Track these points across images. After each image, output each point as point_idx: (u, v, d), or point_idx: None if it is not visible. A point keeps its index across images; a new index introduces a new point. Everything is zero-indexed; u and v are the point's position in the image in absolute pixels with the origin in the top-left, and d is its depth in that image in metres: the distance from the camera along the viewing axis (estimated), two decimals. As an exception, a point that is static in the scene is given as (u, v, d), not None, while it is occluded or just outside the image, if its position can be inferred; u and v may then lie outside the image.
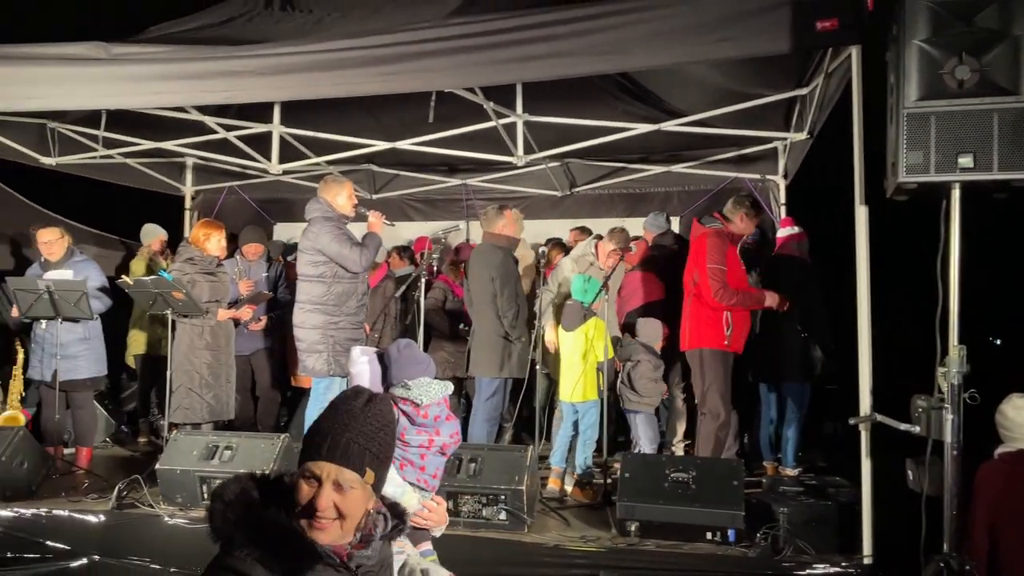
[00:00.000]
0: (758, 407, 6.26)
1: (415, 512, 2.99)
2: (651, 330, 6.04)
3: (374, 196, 8.67)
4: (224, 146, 7.35)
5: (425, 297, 6.25)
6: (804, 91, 5.74)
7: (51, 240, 6.20)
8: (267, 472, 1.83)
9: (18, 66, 5.03)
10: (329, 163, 7.68)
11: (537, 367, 5.90)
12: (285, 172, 7.63)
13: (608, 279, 5.69)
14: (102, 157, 7.37)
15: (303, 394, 6.72)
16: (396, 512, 1.92)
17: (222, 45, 4.99)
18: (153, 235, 7.74)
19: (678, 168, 7.75)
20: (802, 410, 5.99)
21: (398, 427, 3.03)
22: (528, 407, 6.16)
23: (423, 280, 6.08)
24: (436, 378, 3.17)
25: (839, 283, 4.90)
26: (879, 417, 3.90)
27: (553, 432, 6.02)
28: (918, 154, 3.45)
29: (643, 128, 6.33)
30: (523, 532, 4.61)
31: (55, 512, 5.08)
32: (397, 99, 5.22)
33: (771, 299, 5.53)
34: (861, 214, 4.06)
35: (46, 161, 7.19)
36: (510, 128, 6.46)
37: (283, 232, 8.89)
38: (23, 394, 6.98)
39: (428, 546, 3.07)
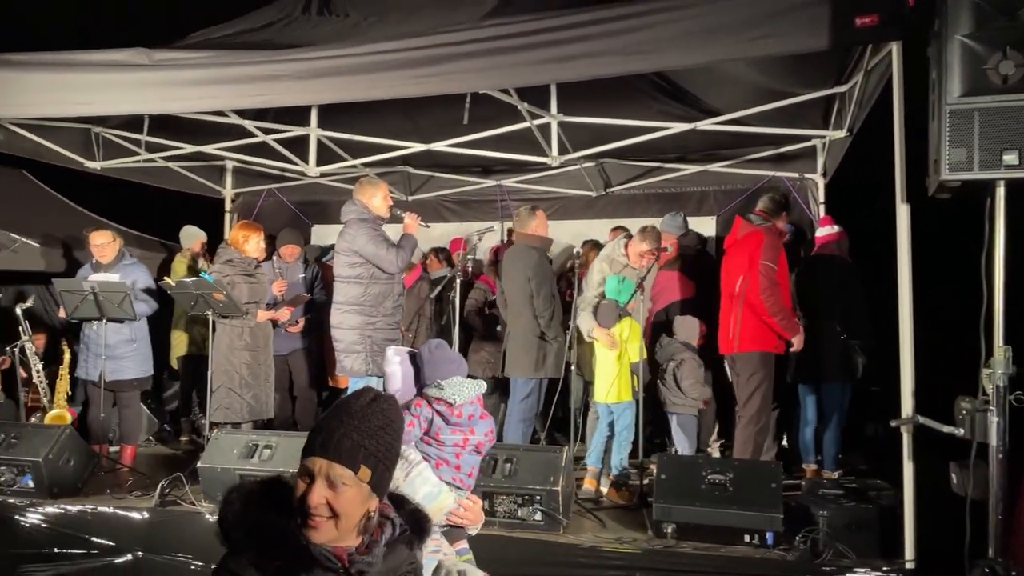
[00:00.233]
0: (797, 409, 6.17)
1: (451, 511, 3.01)
2: (688, 327, 6.00)
3: (409, 198, 8.73)
4: (263, 149, 7.45)
5: (463, 297, 6.27)
6: (843, 88, 5.65)
7: (103, 243, 6.36)
8: (277, 475, 1.80)
9: (64, 72, 5.15)
10: (365, 165, 7.75)
11: (572, 368, 5.89)
12: (322, 174, 7.71)
13: (644, 279, 5.67)
14: (145, 161, 7.51)
15: (340, 394, 6.79)
16: (415, 519, 1.85)
17: (261, 50, 5.07)
18: (194, 237, 7.88)
19: (714, 167, 7.68)
20: (842, 412, 5.90)
21: (433, 427, 3.06)
22: (563, 408, 6.14)
23: (458, 281, 6.10)
24: (470, 377, 3.19)
25: (880, 283, 4.82)
26: (922, 419, 3.83)
27: (588, 433, 6.01)
28: (961, 151, 3.39)
29: (679, 127, 6.28)
30: (559, 533, 4.61)
31: (100, 509, 5.19)
32: (432, 101, 5.24)
33: (799, 341, 5.43)
34: (903, 212, 3.99)
35: (91, 165, 7.35)
36: (544, 129, 6.46)
37: (320, 233, 8.99)
38: (70, 393, 7.16)
39: (464, 544, 3.09)
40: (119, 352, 6.28)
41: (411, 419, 3.03)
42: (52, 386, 7.09)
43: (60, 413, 6.90)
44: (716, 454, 6.42)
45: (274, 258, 7.06)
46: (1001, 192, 3.46)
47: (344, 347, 5.50)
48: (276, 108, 6.41)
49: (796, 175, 7.53)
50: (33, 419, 6.91)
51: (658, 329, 6.38)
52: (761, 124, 6.25)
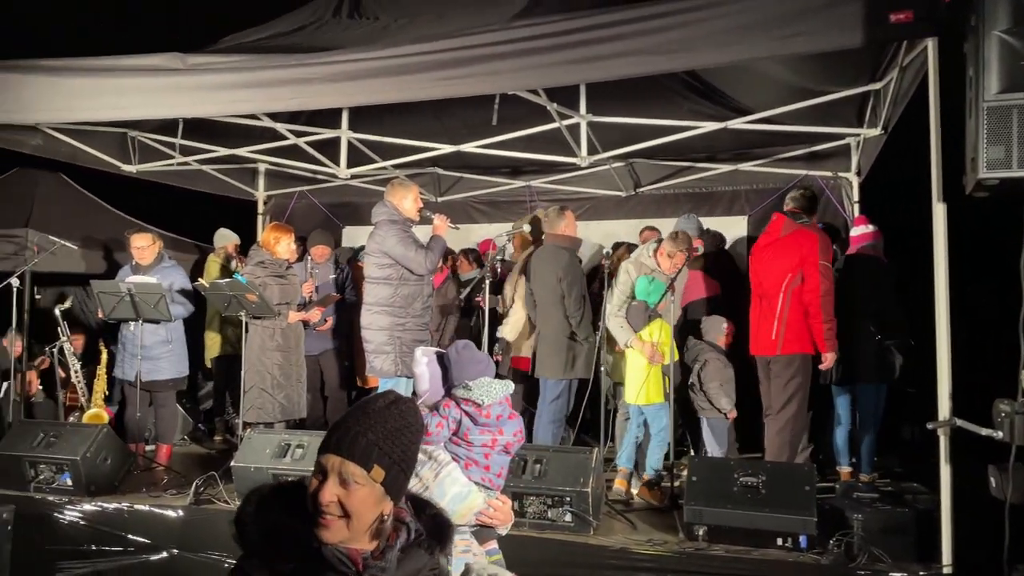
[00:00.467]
0: (831, 411, 6.10)
1: (481, 511, 3.01)
2: (715, 327, 5.96)
3: (439, 199, 8.76)
4: (295, 152, 7.53)
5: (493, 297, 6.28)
6: (878, 86, 5.58)
7: (143, 246, 6.47)
8: (298, 479, 1.78)
9: (100, 77, 5.25)
10: (396, 167, 7.79)
11: (602, 368, 5.87)
12: (353, 176, 7.78)
13: (674, 280, 5.63)
14: (179, 164, 7.61)
15: (368, 393, 6.83)
16: (435, 524, 1.83)
17: (292, 53, 5.12)
18: (227, 239, 7.98)
19: (746, 166, 7.61)
20: (878, 413, 5.81)
21: (461, 427, 3.07)
22: (593, 409, 6.13)
23: (487, 282, 6.11)
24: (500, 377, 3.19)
25: (916, 283, 4.74)
26: (959, 422, 3.76)
27: (617, 434, 5.99)
28: (999, 149, 3.33)
29: (710, 126, 6.24)
30: (589, 534, 4.60)
31: (136, 507, 5.26)
32: (461, 102, 5.26)
33: (831, 358, 5.28)
34: (939, 211, 3.93)
35: (127, 169, 7.47)
36: (574, 129, 6.44)
37: (351, 235, 9.06)
38: (107, 393, 7.29)
39: (494, 545, 3.09)
40: (155, 353, 6.38)
41: (439, 420, 3.04)
42: (90, 386, 7.23)
43: (97, 412, 7.03)
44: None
45: (307, 259, 7.12)
46: (1041, 190, 3.39)
47: (374, 348, 5.53)
48: (308, 111, 6.48)
49: (830, 174, 7.44)
50: (71, 418, 7.05)
51: (683, 330, 6.33)
52: (793, 122, 6.18)
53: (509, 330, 6.29)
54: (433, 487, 2.97)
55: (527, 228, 6.76)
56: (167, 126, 7.01)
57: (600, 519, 4.78)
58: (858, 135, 6.58)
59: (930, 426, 3.91)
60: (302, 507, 1.68)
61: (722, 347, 5.96)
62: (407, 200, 5.64)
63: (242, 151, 7.51)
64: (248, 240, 8.03)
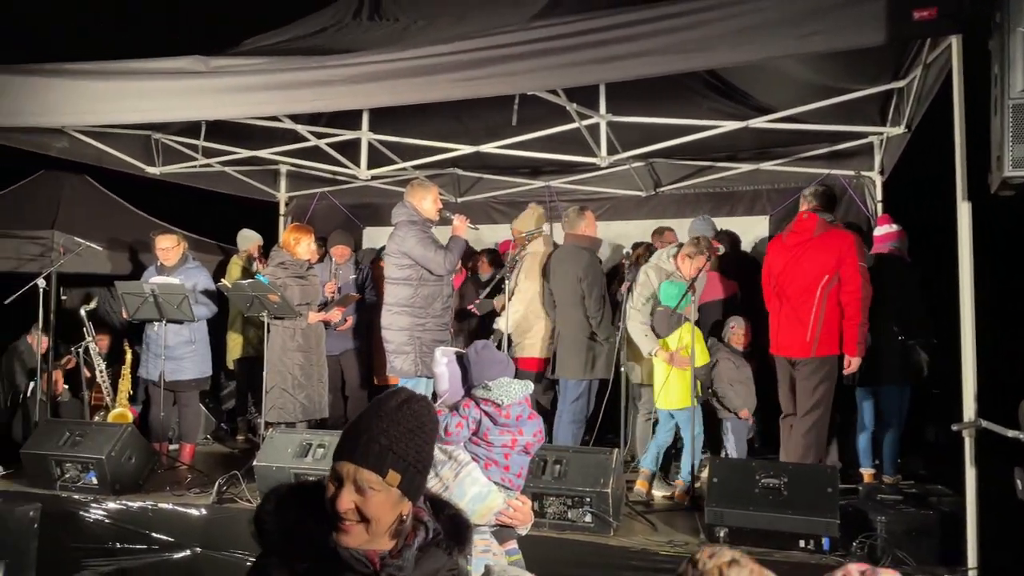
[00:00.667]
0: (854, 412, 6.04)
1: (500, 511, 3.01)
2: (729, 328, 5.94)
3: (459, 199, 8.78)
4: (316, 153, 7.57)
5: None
6: (901, 83, 5.52)
7: (168, 247, 6.54)
8: (317, 479, 1.78)
9: (125, 81, 5.31)
10: (415, 168, 7.82)
11: (622, 369, 5.85)
12: (373, 177, 7.81)
13: (694, 281, 5.60)
14: (202, 166, 7.68)
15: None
16: (453, 523, 1.82)
17: (313, 55, 5.15)
18: (249, 240, 8.04)
19: (767, 165, 7.55)
20: (901, 414, 5.76)
21: (481, 428, 3.08)
22: (613, 409, 6.11)
23: (507, 282, 6.11)
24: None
25: (940, 283, 4.69)
26: (984, 423, 3.72)
27: (637, 435, 5.97)
28: (1025, 147, 3.29)
29: (730, 125, 6.20)
30: (609, 535, 4.59)
31: (160, 505, 5.33)
32: (481, 103, 5.27)
33: (857, 363, 5.18)
34: (964, 210, 3.88)
35: (151, 171, 7.55)
36: (593, 129, 6.43)
37: (372, 235, 9.10)
38: (131, 392, 7.37)
39: (513, 545, 3.10)
40: (179, 353, 6.45)
41: (459, 420, 3.05)
42: (115, 385, 7.31)
43: (122, 412, 7.11)
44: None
45: (331, 260, 7.17)
46: (1068, 188, 3.35)
47: (394, 348, 5.56)
48: (328, 113, 6.51)
49: (852, 173, 7.37)
50: (97, 417, 7.13)
51: (714, 331, 6.30)
52: (816, 121, 6.13)
53: (506, 323, 6.23)
54: (453, 487, 2.98)
55: (546, 229, 6.76)
56: (190, 128, 7.08)
57: (620, 520, 4.77)
58: (881, 133, 6.51)
59: (955, 427, 3.87)
60: (321, 507, 1.68)
61: (738, 347, 5.92)
62: (426, 201, 5.66)
63: (264, 153, 7.56)
64: (270, 241, 8.10)
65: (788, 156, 7.40)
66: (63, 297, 6.99)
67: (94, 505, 5.35)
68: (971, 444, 3.86)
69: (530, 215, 6.49)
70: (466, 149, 7.20)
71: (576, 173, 8.07)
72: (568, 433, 5.86)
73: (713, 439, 6.09)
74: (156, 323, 6.34)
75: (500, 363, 3.14)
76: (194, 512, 5.25)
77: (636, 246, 7.25)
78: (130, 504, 5.36)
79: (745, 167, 7.64)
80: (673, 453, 5.89)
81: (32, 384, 7.13)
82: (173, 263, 6.53)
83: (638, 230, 7.87)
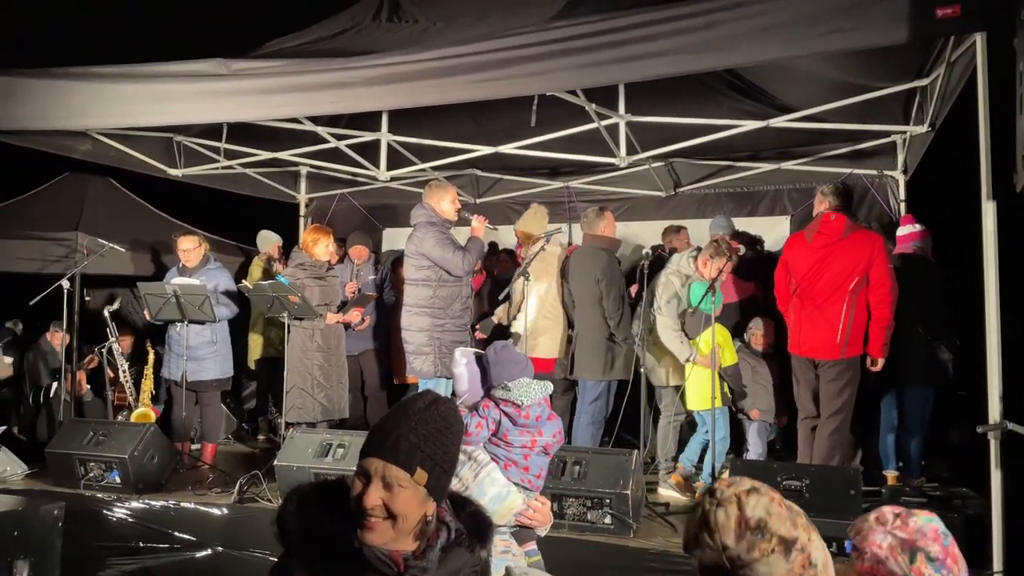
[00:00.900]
0: (877, 413, 5.98)
1: (520, 512, 3.01)
2: (754, 329, 5.91)
3: (478, 200, 8.79)
4: (335, 155, 7.61)
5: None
6: (924, 82, 5.46)
7: (189, 248, 6.60)
8: (338, 478, 1.79)
9: (147, 84, 5.37)
10: (434, 169, 7.84)
11: (641, 370, 5.83)
12: (393, 178, 7.84)
13: (715, 282, 5.56)
14: (223, 168, 7.75)
15: (405, 391, 6.88)
16: (475, 521, 1.83)
17: (333, 57, 5.18)
18: (270, 241, 8.10)
19: (788, 165, 7.50)
20: (925, 416, 5.69)
21: (500, 428, 3.08)
22: (633, 410, 6.09)
23: (526, 282, 6.09)
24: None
25: (965, 283, 4.63)
26: (1010, 425, 3.67)
27: (659, 437, 5.94)
28: (1052, 145, 3.24)
29: (751, 125, 6.17)
30: (628, 537, 4.57)
31: (182, 504, 5.37)
32: (500, 104, 5.27)
33: (881, 363, 5.18)
34: (988, 210, 3.83)
35: (173, 172, 7.62)
36: (612, 129, 6.42)
37: (391, 236, 9.13)
38: (154, 392, 7.44)
39: (533, 546, 3.09)
40: (200, 353, 6.50)
41: (479, 420, 3.05)
42: (137, 385, 7.39)
43: (144, 411, 7.18)
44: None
45: (351, 261, 7.20)
46: (1096, 187, 3.29)
47: (413, 348, 5.57)
48: (348, 114, 6.54)
49: (875, 172, 7.31)
50: (120, 417, 7.21)
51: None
52: (837, 120, 6.08)
53: (524, 324, 6.19)
54: (473, 487, 2.98)
55: (563, 229, 6.75)
56: (211, 130, 7.14)
57: (640, 521, 4.75)
58: (904, 132, 6.45)
59: (980, 430, 3.82)
60: (343, 506, 1.69)
61: (758, 348, 5.88)
62: (444, 201, 5.67)
63: (284, 154, 7.61)
64: (291, 242, 8.15)
65: (810, 155, 7.35)
66: (87, 298, 7.07)
67: (117, 504, 5.40)
68: (996, 446, 3.81)
69: (534, 216, 6.39)
70: (485, 150, 7.21)
71: (595, 173, 8.06)
72: (587, 434, 5.84)
73: (737, 441, 6.07)
74: (178, 324, 6.39)
75: (519, 364, 3.14)
76: (215, 511, 5.28)
77: (656, 248, 7.22)
78: (153, 503, 5.40)
79: (766, 167, 7.59)
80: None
81: (55, 385, 7.23)
82: (195, 264, 6.59)
83: (657, 231, 7.82)
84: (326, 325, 6.20)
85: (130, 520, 5.37)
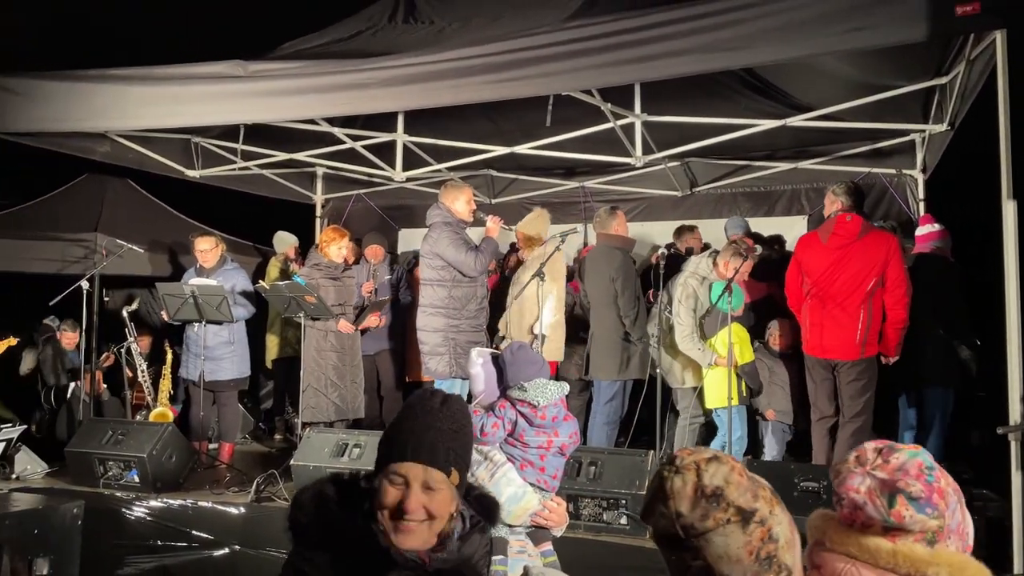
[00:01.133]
0: (895, 414, 5.93)
1: (536, 512, 3.01)
2: (771, 329, 5.88)
3: (493, 200, 8.79)
4: (351, 156, 7.64)
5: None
6: (944, 80, 5.41)
7: (206, 249, 6.64)
8: (344, 474, 1.79)
9: (166, 86, 5.41)
10: (450, 169, 7.85)
11: (657, 371, 5.81)
12: (408, 179, 7.86)
13: (731, 281, 5.54)
14: (240, 169, 7.79)
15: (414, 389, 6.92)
16: (483, 504, 1.88)
17: (349, 59, 5.20)
18: (286, 242, 8.14)
19: (805, 164, 7.45)
20: (944, 417, 5.64)
21: (517, 428, 3.08)
22: (648, 411, 6.07)
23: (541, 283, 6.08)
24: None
25: (985, 283, 4.59)
26: (1031, 427, 3.64)
27: (676, 438, 5.92)
28: (1073, 143, 3.20)
29: (768, 124, 6.13)
30: (644, 537, 4.55)
31: (200, 503, 5.40)
32: (515, 104, 5.27)
33: (892, 362, 5.23)
34: (1008, 209, 3.80)
35: (191, 174, 7.67)
36: (628, 129, 6.40)
37: (407, 237, 9.15)
38: (172, 392, 7.50)
39: (549, 546, 3.09)
40: (218, 353, 6.53)
41: (495, 420, 3.05)
42: (156, 385, 7.44)
43: (162, 411, 7.23)
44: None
45: (371, 260, 7.22)
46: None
47: (429, 349, 5.57)
48: (364, 115, 6.56)
49: (893, 171, 7.25)
50: (138, 416, 7.26)
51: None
52: (855, 119, 6.04)
53: (540, 324, 6.17)
54: (489, 487, 2.98)
55: (579, 229, 6.73)
56: (229, 132, 7.18)
57: (656, 522, 4.72)
58: (923, 131, 6.39)
59: (1001, 431, 3.79)
60: (355, 502, 1.70)
61: (776, 349, 5.85)
62: (459, 202, 5.66)
63: (300, 155, 7.64)
64: (307, 243, 8.19)
65: (827, 155, 7.30)
66: (106, 298, 7.13)
67: (136, 503, 5.43)
68: (1017, 448, 3.78)
69: (536, 219, 6.33)
70: (500, 150, 7.21)
71: (611, 173, 8.04)
72: (602, 435, 5.83)
73: (755, 445, 6.04)
74: (196, 324, 6.44)
75: (535, 364, 3.14)
76: (233, 510, 5.31)
77: (669, 246, 7.20)
78: (171, 502, 5.43)
79: (783, 166, 7.55)
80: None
81: (74, 385, 7.30)
82: (212, 265, 6.62)
83: (674, 230, 7.81)
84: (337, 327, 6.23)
85: (148, 519, 5.40)
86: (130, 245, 7.21)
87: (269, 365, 7.91)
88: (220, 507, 5.35)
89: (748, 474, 1.49)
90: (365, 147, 7.37)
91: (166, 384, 7.43)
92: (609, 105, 5.85)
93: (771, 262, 6.51)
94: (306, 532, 1.70)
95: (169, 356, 7.46)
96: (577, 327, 6.85)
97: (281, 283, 6.20)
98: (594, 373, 5.95)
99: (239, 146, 7.25)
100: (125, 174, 8.23)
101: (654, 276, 5.95)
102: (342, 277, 6.36)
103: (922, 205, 7.07)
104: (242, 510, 5.29)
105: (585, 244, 8.12)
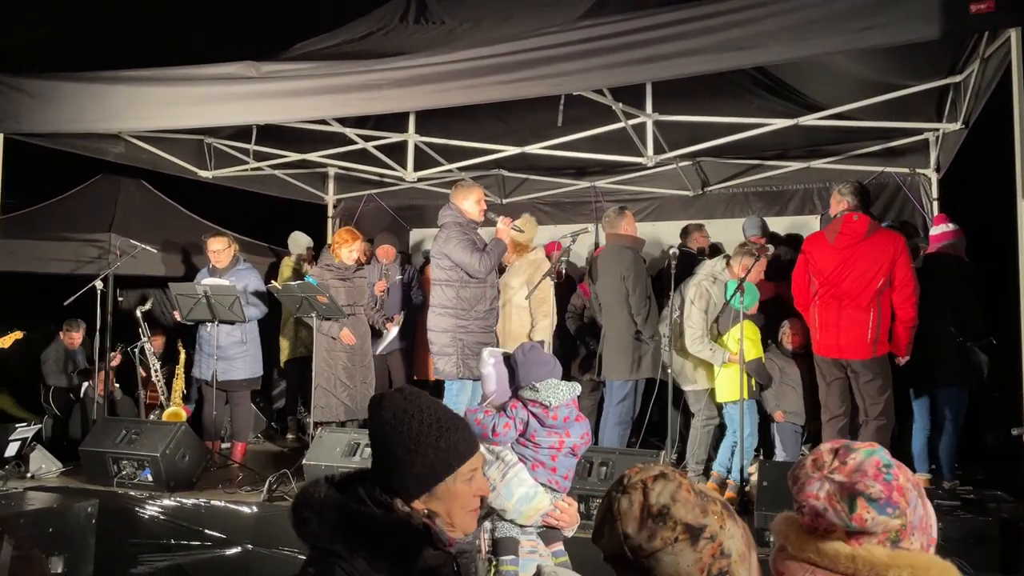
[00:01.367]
0: (908, 414, 5.90)
1: (547, 512, 3.01)
2: (782, 329, 5.87)
3: (504, 201, 8.78)
4: (363, 156, 7.66)
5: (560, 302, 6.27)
6: (958, 78, 5.38)
7: (219, 249, 6.67)
8: (334, 476, 1.80)
9: (179, 86, 5.44)
10: (461, 169, 7.85)
11: (668, 371, 5.80)
12: (420, 179, 7.87)
13: (743, 281, 5.53)
14: (253, 169, 7.83)
15: (427, 387, 6.93)
16: None
17: (361, 59, 5.21)
18: (301, 243, 8.17)
19: (818, 164, 7.42)
20: (958, 417, 5.59)
21: (528, 429, 3.08)
22: (660, 411, 6.06)
23: (553, 283, 6.09)
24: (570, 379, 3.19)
25: (999, 284, 4.56)
26: (1046, 428, 3.61)
27: (691, 439, 5.90)
28: (1089, 142, 3.17)
29: (780, 123, 6.11)
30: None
31: (213, 502, 5.42)
32: (526, 104, 5.27)
33: (904, 362, 5.23)
34: (1023, 208, 3.77)
35: (203, 174, 7.71)
36: (639, 128, 6.39)
37: (418, 237, 9.17)
38: (185, 391, 7.53)
39: (560, 547, 3.09)
40: (230, 353, 6.56)
41: (507, 421, 3.05)
42: (169, 385, 7.48)
43: (176, 411, 7.27)
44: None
45: (382, 260, 7.24)
46: None
47: (437, 349, 5.56)
48: (375, 116, 6.58)
49: (907, 170, 7.20)
50: (152, 416, 7.30)
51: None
52: (868, 118, 6.01)
53: (550, 325, 6.23)
54: (500, 488, 2.98)
55: (590, 229, 6.72)
56: (241, 133, 7.22)
57: (667, 523, 4.71)
58: (937, 130, 6.36)
59: (1015, 432, 3.76)
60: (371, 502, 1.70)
61: (789, 348, 5.83)
62: (468, 202, 5.65)
63: (312, 156, 7.67)
64: (318, 243, 8.22)
65: (840, 154, 7.27)
66: (120, 298, 7.17)
67: (149, 502, 5.45)
68: (1033, 449, 3.75)
69: (524, 224, 6.34)
70: (511, 150, 7.21)
71: (622, 173, 8.03)
72: (614, 435, 5.82)
73: (769, 446, 6.02)
74: (208, 324, 6.47)
75: (547, 364, 3.14)
76: (245, 510, 5.32)
77: (681, 247, 7.17)
78: (184, 501, 5.45)
79: (795, 165, 7.52)
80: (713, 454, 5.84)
81: (86, 384, 7.35)
82: (224, 265, 6.65)
83: (680, 230, 7.79)
84: (351, 325, 6.25)
85: (162, 518, 5.43)
86: (143, 245, 7.25)
87: (282, 365, 7.94)
88: (233, 506, 5.37)
89: (698, 489, 1.47)
90: (377, 147, 7.39)
91: (179, 384, 7.47)
92: (620, 105, 5.84)
93: (780, 262, 6.49)
94: (332, 537, 1.66)
95: (182, 356, 7.50)
96: (585, 331, 6.85)
97: (293, 283, 6.23)
98: (606, 373, 5.94)
99: (251, 147, 7.29)
100: (139, 175, 8.28)
101: (666, 276, 5.95)
102: (352, 278, 6.38)
103: (936, 204, 7.03)
104: (254, 509, 5.31)
105: (596, 245, 8.11)
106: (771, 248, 6.18)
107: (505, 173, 8.54)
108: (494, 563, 2.97)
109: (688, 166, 7.73)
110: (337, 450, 5.36)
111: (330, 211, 9.32)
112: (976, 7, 3.62)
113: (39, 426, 6.56)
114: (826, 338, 5.29)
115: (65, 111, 5.65)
